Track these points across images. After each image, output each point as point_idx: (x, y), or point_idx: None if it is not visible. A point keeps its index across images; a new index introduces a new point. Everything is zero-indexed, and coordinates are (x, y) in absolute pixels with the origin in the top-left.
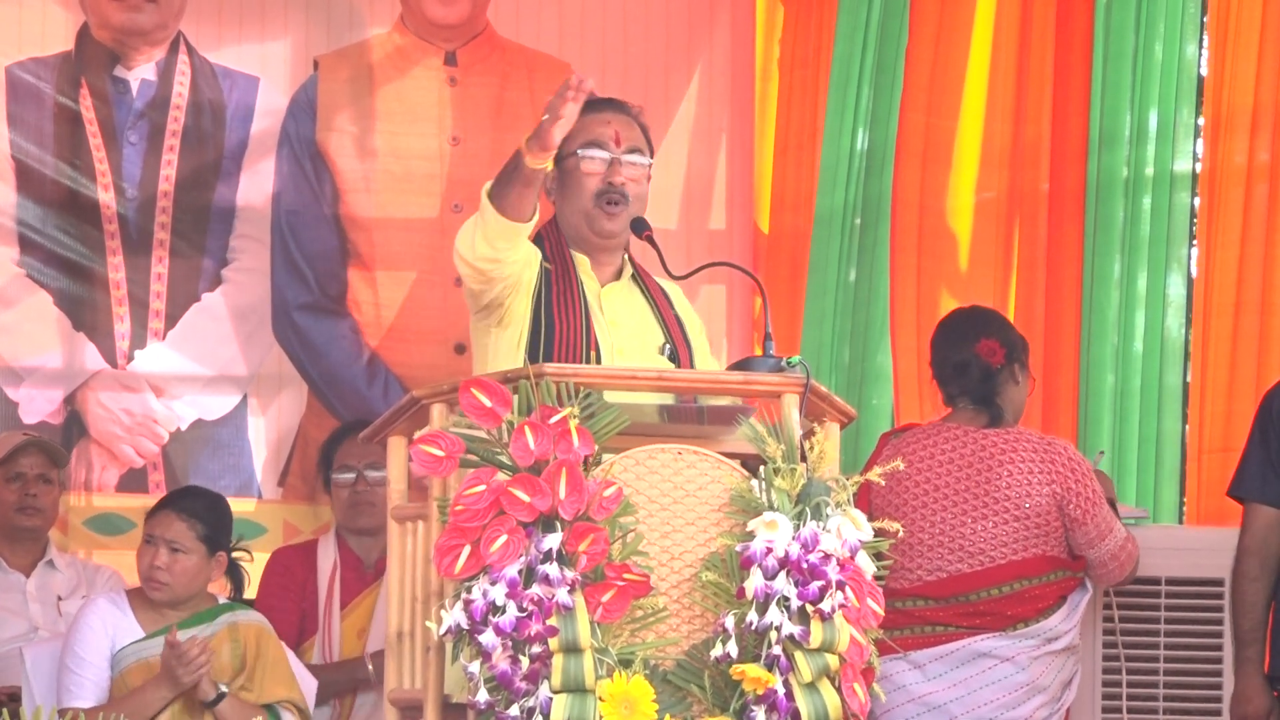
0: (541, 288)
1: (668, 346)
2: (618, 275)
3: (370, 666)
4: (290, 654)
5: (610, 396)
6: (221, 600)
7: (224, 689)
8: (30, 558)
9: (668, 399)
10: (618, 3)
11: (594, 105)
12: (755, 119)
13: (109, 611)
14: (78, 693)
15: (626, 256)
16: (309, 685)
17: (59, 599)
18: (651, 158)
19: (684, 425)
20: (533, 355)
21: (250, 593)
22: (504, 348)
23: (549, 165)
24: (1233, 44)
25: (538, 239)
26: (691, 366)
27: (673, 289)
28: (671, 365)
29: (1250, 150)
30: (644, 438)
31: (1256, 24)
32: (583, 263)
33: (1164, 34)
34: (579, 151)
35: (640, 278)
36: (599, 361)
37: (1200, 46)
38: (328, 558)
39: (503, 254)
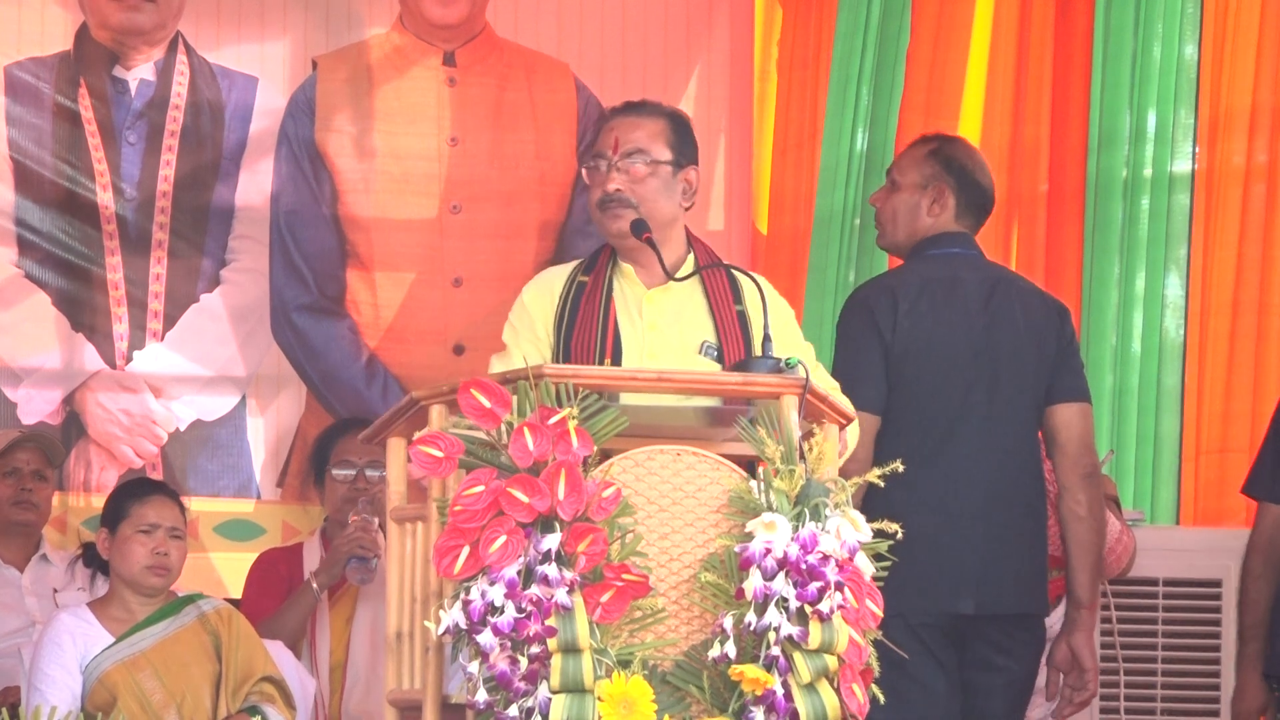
0: (566, 307)
1: (707, 344)
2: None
3: (314, 584)
4: (287, 653)
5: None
6: (181, 594)
7: None
8: (24, 553)
9: (712, 402)
10: (617, 3)
11: (612, 112)
12: (754, 120)
13: (75, 626)
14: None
15: (692, 255)
16: (308, 687)
17: (55, 591)
18: (658, 153)
19: (721, 429)
20: None
21: (235, 592)
22: None
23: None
24: (1230, 45)
25: (595, 252)
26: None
27: (756, 283)
28: (713, 364)
29: (1248, 151)
30: (642, 439)
31: (1254, 25)
32: (627, 270)
33: (1162, 35)
34: (586, 164)
35: (703, 274)
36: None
37: (1199, 47)
38: (314, 556)
39: None
